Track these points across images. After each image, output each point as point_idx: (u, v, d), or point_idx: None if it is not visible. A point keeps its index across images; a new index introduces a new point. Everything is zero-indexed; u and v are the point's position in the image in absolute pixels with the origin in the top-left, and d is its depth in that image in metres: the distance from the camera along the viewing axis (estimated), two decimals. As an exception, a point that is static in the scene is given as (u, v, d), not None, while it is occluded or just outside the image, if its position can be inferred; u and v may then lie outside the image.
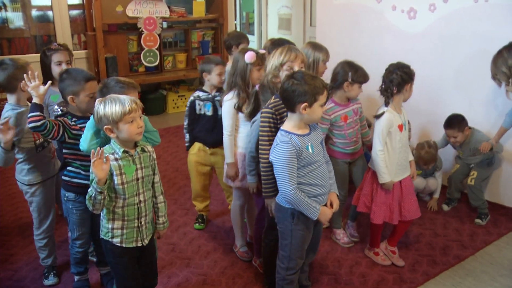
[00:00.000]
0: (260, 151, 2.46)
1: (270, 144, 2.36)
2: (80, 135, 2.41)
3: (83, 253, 2.66)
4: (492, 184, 3.76)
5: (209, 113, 3.19)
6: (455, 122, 3.55)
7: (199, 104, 3.21)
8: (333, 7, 4.75)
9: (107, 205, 2.14)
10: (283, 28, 7.27)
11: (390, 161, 2.81)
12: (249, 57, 2.70)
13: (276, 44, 3.04)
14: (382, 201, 2.87)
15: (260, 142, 2.46)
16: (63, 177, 2.52)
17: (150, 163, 2.23)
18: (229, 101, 2.80)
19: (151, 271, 2.41)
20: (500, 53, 3.17)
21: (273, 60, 2.50)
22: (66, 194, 2.52)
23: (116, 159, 2.10)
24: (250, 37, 7.94)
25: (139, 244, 2.23)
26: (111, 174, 2.09)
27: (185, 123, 3.29)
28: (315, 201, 2.27)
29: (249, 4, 8.05)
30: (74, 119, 2.44)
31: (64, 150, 2.47)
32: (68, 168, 2.49)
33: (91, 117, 2.26)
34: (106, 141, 2.29)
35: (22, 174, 2.72)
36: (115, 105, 2.03)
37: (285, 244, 2.38)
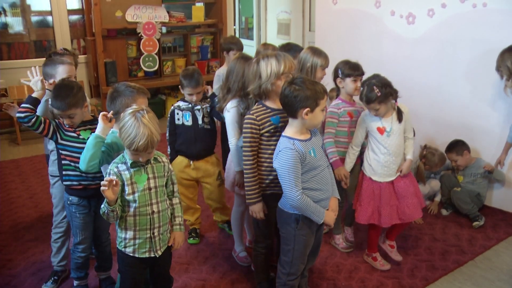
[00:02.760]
0: (243, 158, 2.43)
1: (252, 151, 2.39)
2: (73, 137, 2.43)
3: (85, 258, 2.64)
4: (491, 189, 3.77)
5: (188, 123, 3.14)
6: (455, 146, 3.69)
7: (177, 114, 3.16)
8: (332, 12, 4.77)
9: (121, 214, 2.13)
10: (282, 33, 7.28)
11: (376, 160, 2.85)
12: None
13: (286, 49, 3.06)
14: (367, 202, 2.89)
15: (243, 149, 2.43)
16: (64, 182, 2.52)
17: (165, 174, 2.21)
18: (234, 108, 2.75)
19: (164, 279, 2.39)
20: (510, 48, 3.26)
21: (271, 67, 2.37)
22: (70, 198, 2.51)
23: (127, 169, 2.09)
24: (249, 42, 8.01)
25: (152, 255, 2.21)
26: (122, 185, 2.08)
27: (167, 134, 3.24)
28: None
29: (248, 9, 8.07)
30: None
31: (59, 151, 2.49)
32: (68, 172, 2.49)
33: (91, 136, 2.28)
34: (106, 160, 2.30)
35: None
36: (136, 132, 1.97)
37: (288, 250, 2.36)
